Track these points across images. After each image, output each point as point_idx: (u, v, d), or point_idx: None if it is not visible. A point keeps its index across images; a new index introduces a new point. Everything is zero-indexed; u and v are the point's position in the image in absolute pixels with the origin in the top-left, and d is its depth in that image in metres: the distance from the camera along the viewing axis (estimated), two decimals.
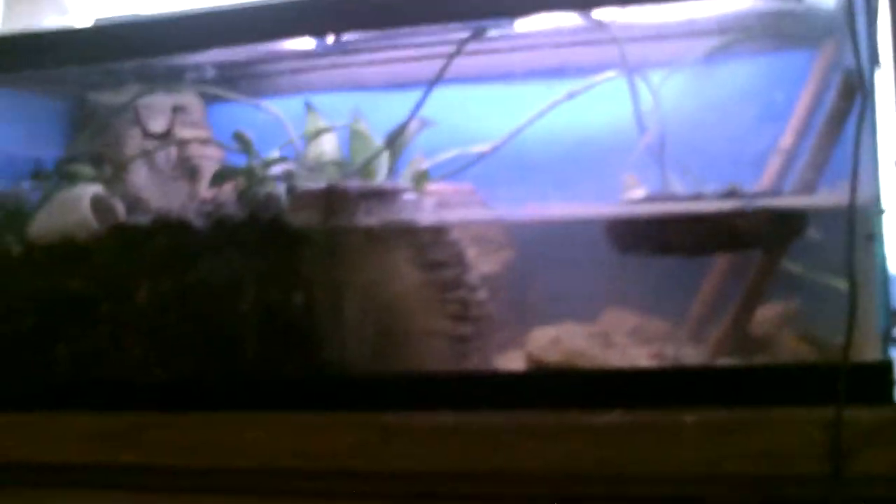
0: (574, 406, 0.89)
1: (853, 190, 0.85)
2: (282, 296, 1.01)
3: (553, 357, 0.96)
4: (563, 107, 1.11)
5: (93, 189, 1.14)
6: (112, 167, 1.23)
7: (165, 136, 1.28)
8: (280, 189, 1.08)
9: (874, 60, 0.91)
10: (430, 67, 1.09)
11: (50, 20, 1.41)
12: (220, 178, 1.18)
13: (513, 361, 1.01)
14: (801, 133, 1.04)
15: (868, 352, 0.88)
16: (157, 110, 1.28)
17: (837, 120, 0.98)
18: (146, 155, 1.25)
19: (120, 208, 1.15)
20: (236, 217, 1.05)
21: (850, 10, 0.90)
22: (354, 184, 1.06)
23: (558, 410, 0.89)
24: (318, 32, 1.11)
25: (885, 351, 0.88)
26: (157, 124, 1.28)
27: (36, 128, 1.31)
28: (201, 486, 0.98)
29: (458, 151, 1.16)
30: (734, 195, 0.99)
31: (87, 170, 1.21)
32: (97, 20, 1.21)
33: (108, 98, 1.28)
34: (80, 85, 1.29)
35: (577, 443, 0.87)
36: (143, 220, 1.08)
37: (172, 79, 1.24)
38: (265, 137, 1.18)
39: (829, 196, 0.97)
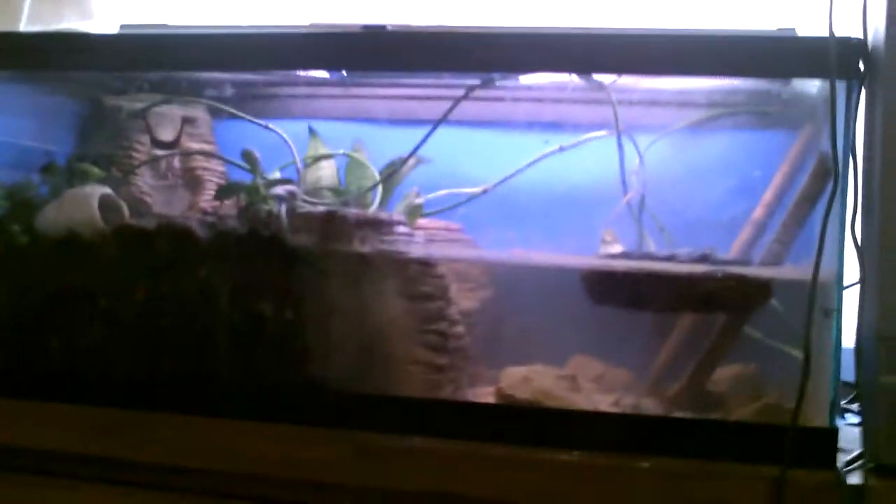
0: (538, 442, 0.94)
1: (816, 267, 0.91)
2: (273, 310, 1.05)
3: (522, 395, 1.01)
4: (555, 159, 1.16)
5: (102, 189, 1.18)
6: (120, 170, 1.27)
7: (173, 146, 1.32)
8: (281, 208, 1.12)
9: (848, 148, 0.96)
10: (435, 107, 1.14)
11: (73, 23, 1.44)
12: (226, 192, 1.22)
13: (484, 395, 1.05)
14: (773, 208, 1.09)
15: (816, 418, 0.93)
16: (167, 120, 1.32)
17: (808, 200, 1.04)
18: (153, 162, 1.29)
19: (126, 210, 1.19)
20: (238, 230, 1.09)
21: (832, 99, 0.95)
22: (353, 211, 1.10)
23: (522, 445, 0.94)
24: (331, 66, 1.16)
25: (831, 419, 0.94)
26: (166, 133, 1.32)
27: (50, 124, 1.34)
28: (184, 485, 1.01)
29: (452, 191, 1.20)
30: (705, 260, 1.05)
31: (96, 169, 1.25)
32: (122, 27, 1.23)
33: (122, 103, 1.32)
34: (96, 87, 1.32)
35: (535, 476, 0.92)
36: (148, 223, 1.12)
37: (186, 91, 1.28)
38: (269, 158, 1.22)
39: (793, 270, 1.03)
